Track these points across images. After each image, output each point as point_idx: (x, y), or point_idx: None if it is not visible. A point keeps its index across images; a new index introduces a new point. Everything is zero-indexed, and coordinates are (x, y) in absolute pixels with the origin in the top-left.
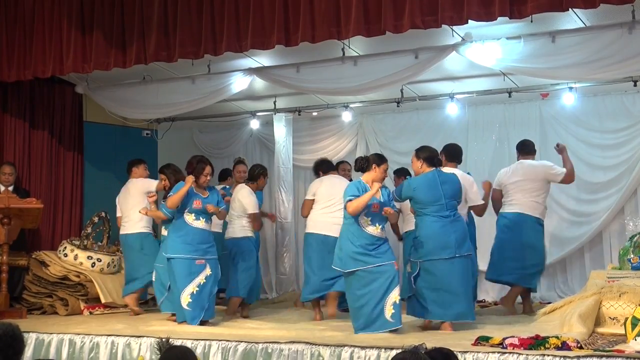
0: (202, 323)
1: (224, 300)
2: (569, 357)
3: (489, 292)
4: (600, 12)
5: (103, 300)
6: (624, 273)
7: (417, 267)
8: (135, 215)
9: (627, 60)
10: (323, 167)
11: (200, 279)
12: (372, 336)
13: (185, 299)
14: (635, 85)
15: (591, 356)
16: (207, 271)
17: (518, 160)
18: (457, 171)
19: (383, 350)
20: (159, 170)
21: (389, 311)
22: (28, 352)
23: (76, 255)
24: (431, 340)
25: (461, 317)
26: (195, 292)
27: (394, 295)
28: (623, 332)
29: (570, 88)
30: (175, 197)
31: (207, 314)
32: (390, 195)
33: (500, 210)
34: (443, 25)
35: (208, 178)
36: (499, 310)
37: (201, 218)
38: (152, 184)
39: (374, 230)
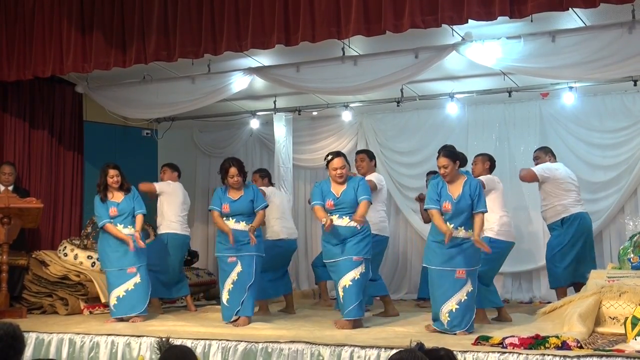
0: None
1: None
2: (569, 356)
3: None
4: (600, 12)
5: (103, 300)
6: (624, 273)
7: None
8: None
9: (627, 60)
10: None
11: (233, 276)
12: (372, 336)
13: (224, 296)
14: (635, 85)
15: (591, 356)
16: (239, 268)
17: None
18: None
19: (383, 350)
20: (113, 167)
21: (444, 317)
22: (28, 351)
23: (76, 254)
24: (431, 340)
25: None
26: (230, 289)
27: (450, 304)
28: (623, 331)
29: (570, 88)
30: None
31: (243, 310)
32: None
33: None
34: (443, 25)
35: (235, 179)
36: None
37: (230, 218)
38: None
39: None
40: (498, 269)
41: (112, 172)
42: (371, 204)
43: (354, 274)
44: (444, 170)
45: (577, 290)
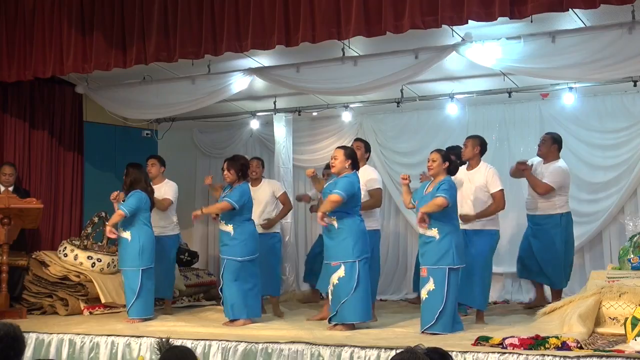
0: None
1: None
2: (569, 357)
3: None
4: (600, 12)
5: (103, 300)
6: (624, 273)
7: (357, 266)
8: None
9: (627, 60)
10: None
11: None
12: (372, 336)
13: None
14: (635, 85)
15: (591, 356)
16: (222, 269)
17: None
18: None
19: (383, 350)
20: (127, 165)
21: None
22: (28, 352)
23: (76, 255)
24: (430, 340)
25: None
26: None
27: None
28: (623, 332)
29: (570, 88)
30: None
31: (229, 312)
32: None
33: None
34: (443, 25)
35: (224, 173)
36: (498, 311)
37: (219, 219)
38: None
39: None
40: None
41: (125, 171)
42: (341, 199)
43: (333, 279)
44: (431, 163)
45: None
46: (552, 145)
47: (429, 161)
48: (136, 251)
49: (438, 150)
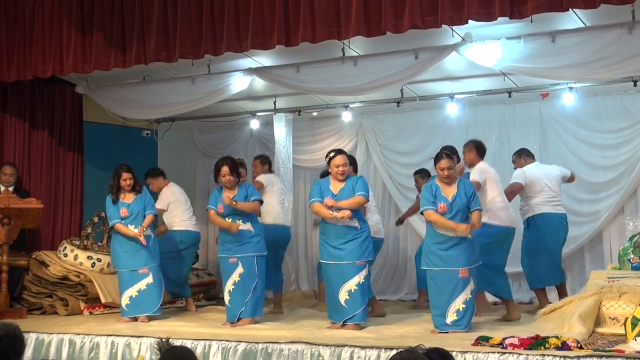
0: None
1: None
2: (569, 357)
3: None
4: (600, 12)
5: (103, 300)
6: (624, 273)
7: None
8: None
9: (627, 60)
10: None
11: (234, 277)
12: (372, 336)
13: (225, 297)
14: (635, 85)
15: (591, 356)
16: (240, 269)
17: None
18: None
19: (383, 350)
20: (126, 170)
21: (450, 317)
22: (28, 352)
23: (76, 255)
24: (431, 340)
25: None
26: (231, 291)
27: (458, 304)
28: (623, 332)
29: (570, 88)
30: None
31: (246, 311)
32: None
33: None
34: (443, 25)
35: (227, 178)
36: (498, 311)
37: (226, 219)
38: None
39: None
40: (501, 256)
41: (125, 175)
42: (367, 201)
43: (359, 278)
44: (448, 172)
45: (560, 293)
46: (520, 158)
47: (444, 170)
48: (157, 249)
49: (449, 156)
